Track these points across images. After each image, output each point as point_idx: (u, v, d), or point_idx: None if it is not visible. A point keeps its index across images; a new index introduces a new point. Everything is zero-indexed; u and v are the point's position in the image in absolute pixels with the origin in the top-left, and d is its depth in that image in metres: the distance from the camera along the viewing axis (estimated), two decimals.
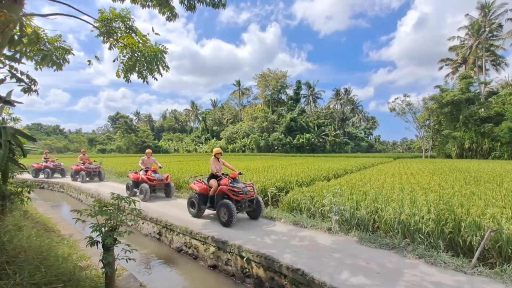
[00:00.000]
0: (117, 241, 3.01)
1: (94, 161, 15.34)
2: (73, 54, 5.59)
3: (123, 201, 3.06)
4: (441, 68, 48.07)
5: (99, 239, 3.05)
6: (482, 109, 35.85)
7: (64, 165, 17.24)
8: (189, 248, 5.73)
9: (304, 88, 70.55)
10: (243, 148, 62.02)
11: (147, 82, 5.68)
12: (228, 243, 4.88)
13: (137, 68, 5.56)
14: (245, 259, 4.48)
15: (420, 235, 4.58)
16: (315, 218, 6.16)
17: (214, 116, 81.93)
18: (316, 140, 57.33)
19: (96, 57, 5.92)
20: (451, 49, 44.63)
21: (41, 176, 16.01)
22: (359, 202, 5.95)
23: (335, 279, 3.48)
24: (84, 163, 14.33)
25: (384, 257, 4.20)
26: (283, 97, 70.70)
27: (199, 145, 72.35)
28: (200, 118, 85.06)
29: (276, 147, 56.97)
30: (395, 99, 42.53)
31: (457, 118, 36.39)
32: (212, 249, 5.19)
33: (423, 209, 5.01)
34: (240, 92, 78.52)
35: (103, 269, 2.99)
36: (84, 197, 11.45)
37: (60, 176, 16.55)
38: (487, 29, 39.25)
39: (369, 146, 65.69)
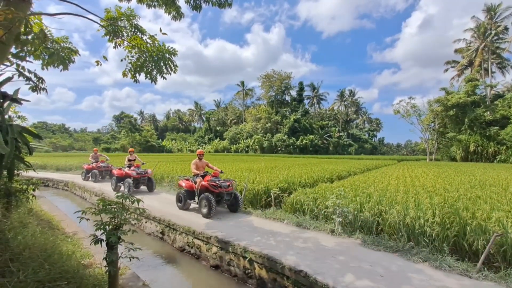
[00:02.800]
0: (121, 240, 3.02)
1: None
2: (79, 55, 5.65)
3: (127, 200, 3.07)
4: (446, 70, 47.68)
5: (103, 237, 3.06)
6: (488, 112, 35.46)
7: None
8: (192, 247, 5.73)
9: (308, 89, 70.49)
10: (246, 149, 62.05)
11: (155, 82, 5.72)
12: (231, 243, 4.87)
13: (145, 69, 5.60)
14: (247, 259, 4.47)
15: (424, 238, 4.53)
16: (318, 220, 6.13)
17: (218, 117, 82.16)
18: (320, 141, 57.15)
19: (104, 57, 5.97)
20: (457, 51, 44.23)
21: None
22: (362, 204, 5.91)
23: (338, 281, 3.46)
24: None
25: (388, 260, 4.16)
26: (287, 98, 70.68)
27: (202, 145, 72.52)
28: (204, 118, 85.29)
29: (279, 148, 56.90)
30: (400, 101, 42.25)
31: (462, 121, 36.03)
32: (214, 249, 5.18)
33: (428, 212, 4.95)
34: (244, 93, 78.62)
35: (107, 267, 3.00)
36: (88, 195, 11.53)
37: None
38: (493, 32, 38.85)
39: (373, 148, 65.35)
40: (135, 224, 7.41)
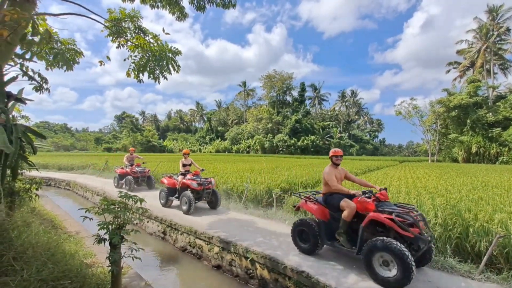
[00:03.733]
0: (124, 239, 3.03)
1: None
2: (84, 56, 5.69)
3: (130, 200, 3.08)
4: (448, 71, 47.54)
5: (106, 237, 3.08)
6: (490, 113, 35.34)
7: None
8: (193, 247, 5.74)
9: (309, 90, 70.45)
10: (247, 149, 62.08)
11: (159, 82, 5.75)
12: (233, 243, 4.88)
13: (148, 68, 5.63)
14: (249, 259, 4.47)
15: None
16: None
17: (219, 117, 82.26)
18: (321, 142, 57.10)
19: (107, 57, 6.01)
20: (459, 52, 44.13)
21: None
22: None
23: (341, 282, 3.46)
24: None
25: None
26: (289, 98, 70.68)
27: (203, 145, 72.64)
28: (205, 119, 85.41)
29: (280, 149, 56.89)
30: (401, 102, 42.18)
31: (464, 122, 35.93)
32: (216, 249, 5.19)
33: (430, 214, 4.95)
34: (245, 93, 78.69)
35: (109, 267, 3.01)
36: (90, 195, 11.57)
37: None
38: (495, 33, 38.73)
39: (374, 149, 65.20)
40: (137, 224, 7.44)
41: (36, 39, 4.35)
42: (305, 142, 55.64)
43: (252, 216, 6.93)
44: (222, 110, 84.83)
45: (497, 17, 38.80)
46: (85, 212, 3.07)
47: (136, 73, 5.91)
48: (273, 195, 7.32)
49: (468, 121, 35.07)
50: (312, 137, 56.55)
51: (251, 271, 4.51)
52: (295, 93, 68.99)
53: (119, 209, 3.02)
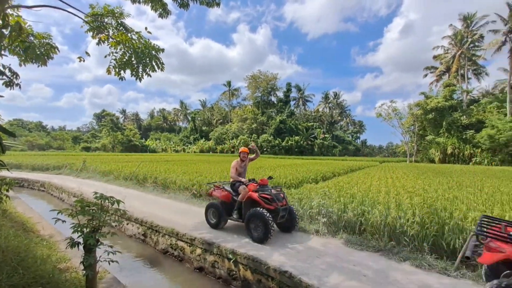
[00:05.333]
0: (99, 243, 2.89)
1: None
2: (59, 51, 5.41)
3: (107, 201, 2.94)
4: (425, 75, 49.70)
5: (81, 240, 2.92)
6: (464, 116, 37.28)
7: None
8: (175, 249, 5.61)
9: (294, 91, 71.17)
10: (232, 149, 61.77)
11: (140, 80, 5.56)
12: (215, 244, 4.80)
13: (130, 66, 5.44)
14: (232, 261, 4.42)
15: (405, 237, 4.66)
16: (303, 220, 6.16)
17: (203, 116, 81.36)
18: (305, 142, 57.85)
19: (86, 53, 5.73)
20: (435, 57, 46.19)
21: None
22: (346, 205, 6.00)
23: (323, 282, 3.48)
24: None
25: (370, 259, 4.24)
26: (273, 99, 71.10)
27: (187, 145, 71.51)
28: (189, 118, 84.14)
29: (265, 149, 57.07)
30: (382, 104, 43.57)
31: (440, 124, 37.67)
32: (198, 251, 5.09)
33: (408, 212, 5.10)
34: (230, 93, 78.35)
35: (84, 272, 2.86)
36: (66, 196, 11.05)
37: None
38: (469, 39, 40.89)
39: (356, 150, 66.92)
40: (115, 226, 7.17)
41: (6, 32, 4.07)
42: (289, 142, 56.17)
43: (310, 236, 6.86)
44: (206, 110, 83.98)
45: (471, 25, 40.97)
46: (58, 214, 2.90)
47: (117, 70, 5.70)
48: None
49: (444, 123, 36.81)
50: (296, 137, 57.17)
51: (234, 272, 4.46)
52: (280, 94, 69.55)
53: (94, 211, 2.87)
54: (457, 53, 42.05)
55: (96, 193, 2.96)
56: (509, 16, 35.89)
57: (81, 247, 2.95)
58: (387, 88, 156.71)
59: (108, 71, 5.70)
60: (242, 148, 5.91)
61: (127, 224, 7.15)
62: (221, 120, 78.25)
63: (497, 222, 3.05)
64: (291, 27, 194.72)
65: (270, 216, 4.82)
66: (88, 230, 2.93)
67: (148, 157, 33.27)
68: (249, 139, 59.32)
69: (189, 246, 5.30)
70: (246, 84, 71.87)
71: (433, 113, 37.49)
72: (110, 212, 3.19)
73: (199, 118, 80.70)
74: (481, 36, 40.38)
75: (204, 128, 77.60)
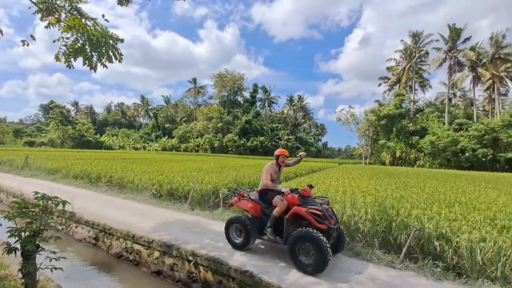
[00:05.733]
0: (40, 249, 2.57)
1: (310, 186, 4.61)
2: (2, 35, 4.74)
3: (50, 202, 2.63)
4: (380, 84, 54.13)
5: (18, 245, 2.58)
6: (411, 124, 41.37)
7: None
8: (130, 253, 5.27)
9: (260, 92, 72.05)
10: (196, 148, 60.37)
11: (95, 70, 5.11)
12: (175, 247, 4.62)
13: (83, 53, 4.96)
14: (192, 263, 4.29)
15: (358, 234, 4.99)
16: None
17: (167, 113, 78.09)
18: (270, 143, 58.89)
19: (31, 36, 5.08)
20: (388, 69, 50.58)
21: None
22: None
23: (283, 279, 3.56)
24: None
25: None
26: (239, 99, 71.13)
27: (148, 143, 68.03)
28: (151, 114, 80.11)
29: (230, 149, 56.82)
30: (341, 109, 46.52)
31: (391, 130, 41.29)
32: (156, 253, 4.85)
33: (361, 211, 5.47)
34: (196, 91, 76.47)
35: (23, 280, 2.53)
36: (4, 196, 9.73)
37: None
38: (417, 55, 45.54)
39: (318, 152, 70.04)
40: (62, 229, 6.50)
41: None
42: (254, 142, 56.70)
43: (198, 217, 6.70)
44: (170, 107, 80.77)
45: (418, 41, 45.65)
46: None
47: (67, 57, 5.16)
48: (220, 195, 7.21)
49: (394, 129, 40.45)
50: (261, 138, 57.94)
51: (194, 274, 4.33)
52: (246, 94, 69.86)
53: (34, 212, 2.55)
54: (407, 66, 46.52)
55: (37, 193, 2.63)
56: (449, 36, 40.74)
57: (19, 253, 2.61)
58: (347, 94, 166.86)
59: (57, 58, 5.13)
60: (281, 151, 4.63)
61: (76, 227, 6.53)
62: (185, 118, 75.94)
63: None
64: (259, 29, 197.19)
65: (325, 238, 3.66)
66: (27, 234, 2.59)
67: (103, 154, 30.83)
68: (214, 138, 58.52)
69: (146, 249, 5.03)
70: (212, 83, 70.82)
71: (385, 119, 40.95)
72: (55, 214, 2.87)
73: (162, 115, 77.26)
74: (427, 53, 45.26)
75: (167, 125, 74.52)
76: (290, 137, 63.71)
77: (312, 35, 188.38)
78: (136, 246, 5.19)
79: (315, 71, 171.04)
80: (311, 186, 4.54)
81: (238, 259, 4.12)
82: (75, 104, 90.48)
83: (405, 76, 46.73)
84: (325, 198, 4.63)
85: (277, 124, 67.36)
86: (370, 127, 44.42)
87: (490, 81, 40.89)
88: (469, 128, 35.68)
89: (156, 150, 62.23)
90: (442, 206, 6.19)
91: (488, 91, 44.62)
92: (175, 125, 73.71)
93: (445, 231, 4.39)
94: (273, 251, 4.59)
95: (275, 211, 4.15)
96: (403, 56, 47.56)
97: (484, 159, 33.01)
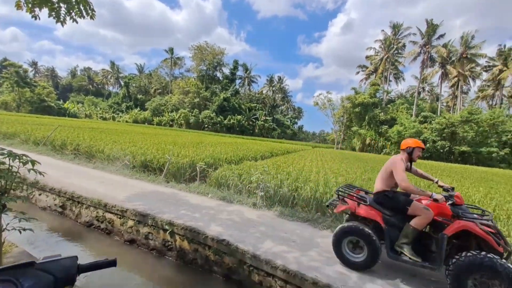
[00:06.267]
0: (6, 208, 2.40)
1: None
2: None
3: (17, 160, 2.42)
4: (358, 72, 55.38)
5: None
6: (382, 113, 43.39)
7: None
8: (102, 222, 5.13)
9: (240, 69, 70.37)
10: (170, 123, 58.49)
11: (62, 23, 4.60)
12: (151, 216, 4.58)
13: (49, 4, 4.41)
14: (168, 232, 4.30)
15: (329, 210, 5.31)
16: (241, 194, 6.38)
17: (140, 83, 73.76)
18: (247, 122, 58.77)
19: None
20: (367, 57, 51.67)
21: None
22: (282, 181, 6.46)
23: (258, 247, 3.72)
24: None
25: (300, 228, 4.71)
26: (219, 75, 69.06)
27: (118, 114, 64.50)
28: (122, 83, 75.31)
29: (206, 125, 55.85)
30: (319, 94, 47.28)
31: (364, 118, 43.07)
32: (130, 222, 4.78)
33: (333, 189, 5.80)
34: (172, 61, 72.62)
35: None
36: None
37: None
38: (395, 46, 46.89)
39: (293, 134, 71.45)
40: (27, 196, 6.10)
41: None
42: (232, 121, 56.22)
43: (173, 189, 6.64)
44: (143, 76, 76.21)
45: (398, 33, 46.81)
46: None
47: (30, 6, 4.57)
48: (197, 169, 7.16)
49: (367, 117, 42.23)
50: (239, 116, 57.52)
51: (169, 243, 4.36)
52: (226, 70, 67.93)
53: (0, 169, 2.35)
54: (384, 56, 47.87)
55: (2, 148, 2.39)
56: (426, 31, 42.21)
57: None
58: (325, 79, 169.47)
59: (18, 5, 4.53)
60: (416, 141, 3.45)
61: (40, 194, 6.16)
62: (160, 90, 72.49)
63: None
64: (243, 1, 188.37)
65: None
66: None
67: (67, 122, 28.73)
68: (190, 113, 56.93)
69: (120, 218, 4.92)
70: (191, 55, 67.67)
71: (359, 107, 42.49)
72: (23, 178, 2.66)
73: (134, 85, 72.88)
74: (404, 45, 46.75)
75: (139, 96, 70.72)
76: (267, 118, 63.97)
77: (296, 15, 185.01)
78: (109, 215, 5.06)
79: (297, 52, 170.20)
80: (452, 189, 3.31)
81: (215, 229, 4.21)
82: (34, 64, 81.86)
83: (382, 66, 48.20)
84: (479, 208, 3.40)
85: (255, 104, 66.97)
86: (345, 113, 45.93)
87: (456, 78, 43.70)
88: (432, 121, 38.34)
89: (126, 121, 59.30)
90: None
91: (452, 88, 47.77)
92: (148, 97, 70.20)
93: None
94: (248, 223, 4.74)
95: (417, 224, 3.08)
96: (382, 46, 48.72)
97: (441, 151, 36.01)
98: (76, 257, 0.79)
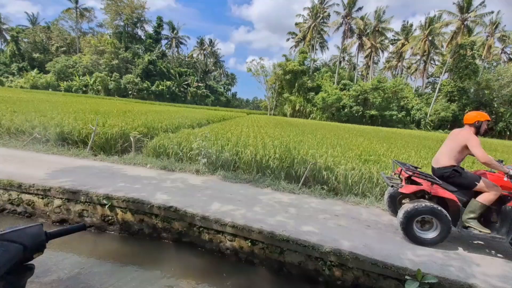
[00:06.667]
0: None
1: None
2: None
3: None
4: (288, 39, 56.89)
5: None
6: (310, 81, 46.66)
7: None
8: (18, 205, 4.43)
9: (166, 29, 63.51)
10: (84, 89, 50.25)
11: None
12: (84, 192, 4.18)
13: None
14: (107, 206, 4.05)
15: (268, 170, 5.82)
16: (183, 162, 6.31)
17: (34, 39, 59.18)
18: (178, 89, 55.16)
19: None
20: (296, 25, 53.16)
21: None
22: (223, 146, 6.63)
23: (206, 209, 3.90)
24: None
25: (244, 189, 5.07)
26: (140, 33, 61.00)
27: (7, 77, 51.62)
28: (7, 37, 59.35)
29: (130, 92, 50.14)
30: (252, 60, 47.32)
31: (294, 85, 45.64)
32: (58, 202, 4.27)
33: (271, 151, 6.29)
34: (78, 13, 60.06)
35: None
36: None
37: None
38: (321, 15, 49.33)
39: (227, 101, 71.00)
40: None
41: None
42: (160, 87, 51.89)
43: (104, 162, 6.06)
44: (39, 30, 61.13)
45: (324, 2, 49.02)
46: None
47: None
48: (131, 139, 6.64)
49: (296, 84, 44.84)
50: (168, 82, 53.42)
51: (110, 217, 4.14)
52: (149, 28, 60.37)
53: None
54: (312, 25, 50.09)
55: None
56: (347, 2, 45.38)
57: None
58: (257, 45, 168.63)
59: None
60: (484, 114, 3.50)
61: None
62: (64, 48, 60.16)
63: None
64: None
65: None
66: None
67: None
68: (109, 78, 49.76)
69: (42, 199, 4.33)
70: (103, 6, 56.79)
71: (290, 74, 44.57)
72: None
73: (26, 40, 58.22)
74: (329, 15, 49.54)
75: (36, 55, 57.37)
76: (200, 84, 61.28)
77: None
78: (26, 196, 4.38)
79: (227, 13, 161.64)
80: (501, 161, 3.56)
81: (160, 198, 4.17)
82: None
83: (309, 34, 50.56)
84: None
85: (186, 69, 62.75)
86: (277, 80, 47.61)
87: (369, 50, 49.58)
88: (350, 89, 43.47)
89: (22, 87, 48.16)
90: (329, 147, 7.81)
91: (366, 59, 54.26)
92: (49, 56, 57.59)
93: (330, 164, 5.70)
94: (194, 188, 4.82)
95: (486, 199, 3.27)
96: (310, 14, 50.60)
97: (356, 115, 41.76)
98: (41, 225, 0.80)
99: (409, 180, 3.66)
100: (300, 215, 4.07)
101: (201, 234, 3.81)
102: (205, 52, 72.87)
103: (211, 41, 73.49)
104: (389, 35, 50.14)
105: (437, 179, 3.49)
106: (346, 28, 46.89)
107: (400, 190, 3.51)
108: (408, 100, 43.39)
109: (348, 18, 46.05)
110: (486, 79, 41.17)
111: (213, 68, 76.55)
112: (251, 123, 16.37)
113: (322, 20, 49.93)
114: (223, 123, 15.32)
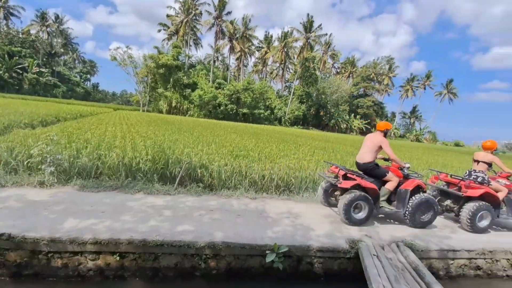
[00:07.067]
0: None
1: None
2: None
3: None
4: (159, 30, 53.43)
5: None
6: (186, 77, 45.88)
7: None
8: None
9: None
10: None
11: None
12: None
13: None
14: None
15: (140, 173, 5.40)
16: (18, 174, 4.84)
17: None
18: (7, 74, 40.71)
19: None
20: (168, 17, 50.66)
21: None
22: (79, 150, 5.58)
23: (56, 230, 3.21)
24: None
25: (109, 197, 4.49)
26: None
27: None
28: None
29: None
30: (117, 47, 41.34)
31: (168, 80, 43.53)
32: None
33: (142, 153, 5.87)
34: None
35: None
36: None
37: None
38: (193, 12, 49.24)
39: (86, 94, 59.05)
40: None
41: None
42: None
43: None
44: None
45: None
46: None
47: None
48: None
49: (171, 80, 42.99)
50: None
51: None
52: None
53: None
54: (184, 20, 49.18)
55: None
56: (218, 5, 47.46)
57: None
58: (123, 30, 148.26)
59: None
60: (390, 125, 4.91)
61: None
62: None
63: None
64: None
65: None
66: None
67: None
68: None
69: None
70: None
71: (163, 68, 42.15)
72: None
73: None
74: (201, 13, 50.10)
75: None
76: (42, 69, 47.75)
77: None
78: None
79: None
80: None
81: None
82: None
83: (182, 29, 49.42)
84: (415, 172, 5.34)
85: (20, 49, 47.11)
86: (149, 74, 43.88)
87: (240, 53, 54.14)
88: (224, 88, 46.03)
89: None
90: (204, 145, 8.10)
91: (237, 61, 58.98)
92: None
93: (205, 162, 5.95)
94: (35, 205, 3.83)
95: (391, 186, 4.62)
96: (182, 9, 49.42)
97: (231, 112, 44.80)
98: None
99: (344, 177, 4.73)
100: (175, 216, 4.06)
101: (51, 260, 3.13)
102: (49, 29, 57.09)
103: (57, 16, 58.24)
104: (255, 42, 56.62)
105: (364, 175, 4.75)
106: (218, 30, 49.08)
107: (340, 186, 4.52)
108: (271, 101, 50.87)
109: (219, 20, 48.29)
110: (323, 86, 54.27)
111: (62, 51, 61.19)
112: (118, 121, 14.43)
113: (194, 17, 49.89)
114: (81, 120, 12.71)
